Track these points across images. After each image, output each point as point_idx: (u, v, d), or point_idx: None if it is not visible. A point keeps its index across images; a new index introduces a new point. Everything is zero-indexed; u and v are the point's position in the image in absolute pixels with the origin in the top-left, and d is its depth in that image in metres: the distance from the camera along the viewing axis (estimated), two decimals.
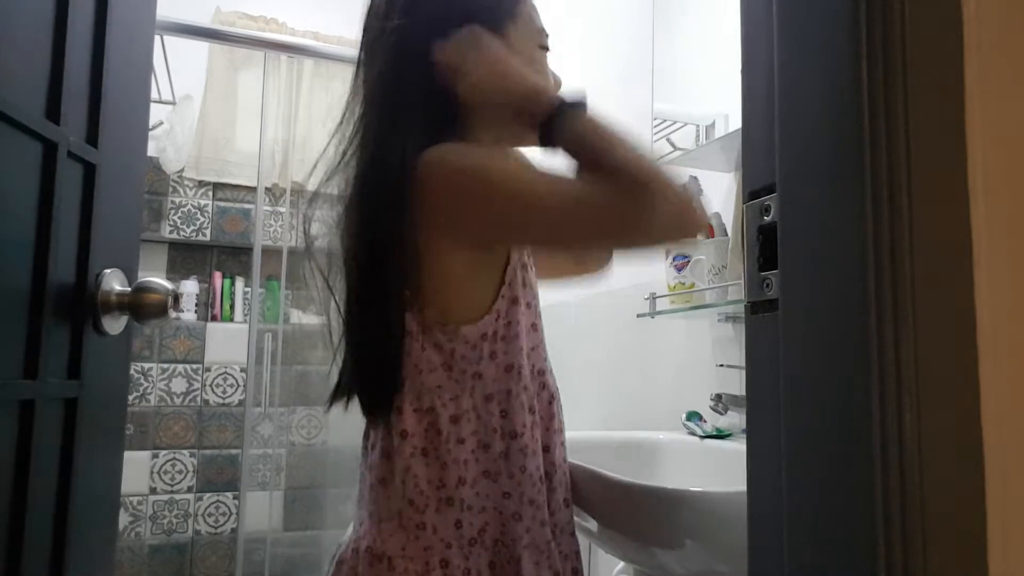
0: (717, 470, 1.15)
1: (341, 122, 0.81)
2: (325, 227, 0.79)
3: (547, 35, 0.84)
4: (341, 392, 0.79)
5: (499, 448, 0.74)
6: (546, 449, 0.79)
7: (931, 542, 0.38)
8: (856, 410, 0.40)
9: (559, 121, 0.72)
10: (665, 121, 1.48)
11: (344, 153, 0.79)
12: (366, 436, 0.81)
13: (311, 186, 0.80)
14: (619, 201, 0.65)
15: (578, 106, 0.72)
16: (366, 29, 0.82)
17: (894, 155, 0.41)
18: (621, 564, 1.28)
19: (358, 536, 0.77)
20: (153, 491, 2.51)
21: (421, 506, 0.72)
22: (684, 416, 1.31)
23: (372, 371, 0.76)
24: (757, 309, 0.49)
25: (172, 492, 2.53)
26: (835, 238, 0.42)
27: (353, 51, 0.84)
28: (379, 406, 0.77)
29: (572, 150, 0.71)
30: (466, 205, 0.72)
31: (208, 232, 2.68)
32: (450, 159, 0.73)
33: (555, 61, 0.87)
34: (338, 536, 0.84)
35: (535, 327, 0.80)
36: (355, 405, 0.79)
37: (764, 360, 0.48)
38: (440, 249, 0.73)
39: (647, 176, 0.66)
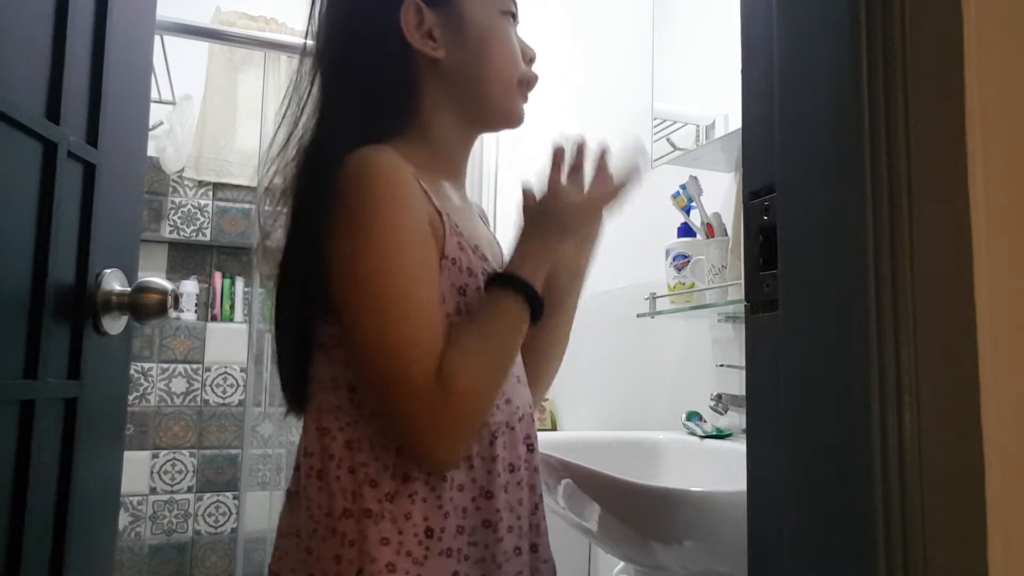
0: (717, 470, 1.15)
1: (287, 109, 0.75)
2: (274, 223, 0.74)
3: (513, 1, 0.78)
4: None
5: (387, 488, 0.66)
6: (488, 495, 0.70)
7: (931, 542, 0.38)
8: (856, 410, 0.40)
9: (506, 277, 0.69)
10: (665, 121, 1.48)
11: (288, 143, 0.74)
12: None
13: (265, 181, 0.75)
14: (416, 379, 0.62)
15: (525, 293, 0.69)
16: (311, 9, 0.77)
17: (894, 155, 0.41)
18: (621, 564, 1.28)
19: None
20: (153, 491, 2.51)
21: (310, 530, 0.68)
22: (684, 416, 1.31)
23: (283, 379, 0.74)
24: (757, 309, 0.49)
25: (172, 492, 2.53)
26: (835, 238, 0.42)
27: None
28: (295, 413, 0.74)
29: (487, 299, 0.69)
30: (336, 225, 0.65)
31: (208, 232, 2.68)
32: (365, 175, 0.65)
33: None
34: None
35: None
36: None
37: (764, 360, 0.48)
38: None
39: (471, 386, 0.63)
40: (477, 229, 0.78)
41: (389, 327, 0.63)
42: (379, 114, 0.72)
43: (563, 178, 0.74)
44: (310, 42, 0.77)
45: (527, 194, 0.75)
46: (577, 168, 0.74)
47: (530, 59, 0.80)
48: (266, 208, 0.74)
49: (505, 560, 0.70)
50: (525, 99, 0.80)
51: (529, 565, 0.74)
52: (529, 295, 0.69)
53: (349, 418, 0.68)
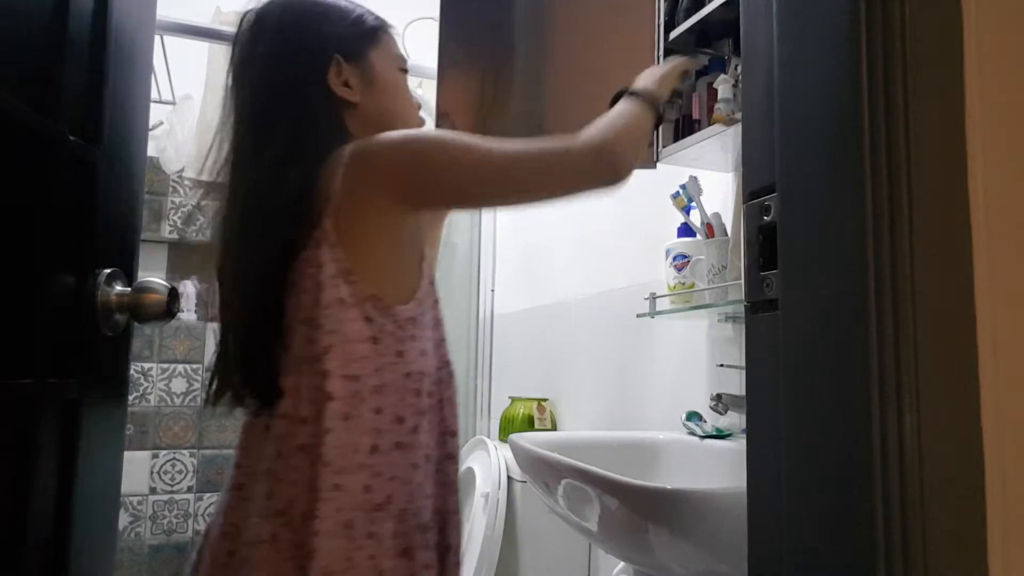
0: (717, 470, 1.15)
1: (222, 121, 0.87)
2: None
3: (405, 60, 0.94)
4: (225, 389, 0.84)
5: (411, 423, 0.79)
6: (453, 434, 0.86)
7: (931, 542, 0.38)
8: (856, 410, 0.40)
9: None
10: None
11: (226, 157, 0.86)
12: (247, 433, 0.88)
13: (204, 175, 0.88)
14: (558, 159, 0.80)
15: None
16: (234, 50, 0.92)
17: (894, 155, 0.41)
18: (621, 564, 1.28)
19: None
20: (153, 491, 2.51)
21: (338, 468, 0.75)
22: (684, 416, 1.31)
23: (260, 356, 0.81)
24: (757, 309, 0.49)
25: (172, 492, 2.53)
26: (835, 238, 0.42)
27: None
28: (270, 390, 0.80)
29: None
30: (421, 166, 0.79)
31: (208, 232, 2.68)
32: (387, 137, 0.79)
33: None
34: None
35: (438, 322, 0.87)
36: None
37: (764, 360, 0.48)
38: (384, 225, 0.79)
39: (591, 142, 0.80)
40: None
41: (505, 153, 0.79)
42: (313, 153, 0.82)
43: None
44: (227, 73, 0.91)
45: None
46: None
47: (417, 107, 0.96)
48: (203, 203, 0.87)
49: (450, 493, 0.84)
50: None
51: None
52: (646, 98, 0.89)
53: (375, 366, 0.78)
